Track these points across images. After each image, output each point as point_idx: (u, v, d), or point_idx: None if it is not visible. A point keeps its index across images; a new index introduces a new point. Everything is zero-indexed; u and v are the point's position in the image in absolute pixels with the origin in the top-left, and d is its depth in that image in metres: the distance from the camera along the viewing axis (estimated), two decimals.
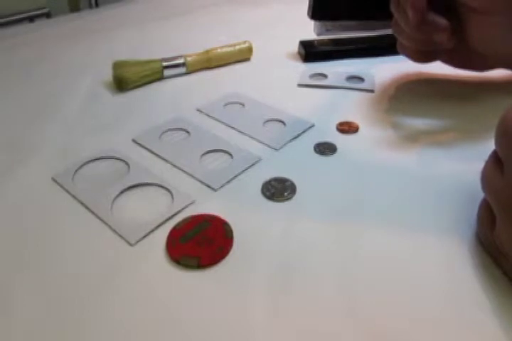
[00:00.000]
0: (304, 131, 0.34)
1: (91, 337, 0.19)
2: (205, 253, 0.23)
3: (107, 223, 0.25)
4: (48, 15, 0.74)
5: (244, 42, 0.47)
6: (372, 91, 0.41)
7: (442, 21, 0.32)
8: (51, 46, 0.51)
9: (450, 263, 0.23)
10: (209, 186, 0.28)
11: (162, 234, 0.24)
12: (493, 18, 0.30)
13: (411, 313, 0.20)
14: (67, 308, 0.20)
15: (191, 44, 0.47)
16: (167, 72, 0.43)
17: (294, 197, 0.27)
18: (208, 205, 0.26)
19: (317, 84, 0.42)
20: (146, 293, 0.21)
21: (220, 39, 0.48)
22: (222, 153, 0.31)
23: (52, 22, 0.65)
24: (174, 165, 0.30)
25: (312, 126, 0.35)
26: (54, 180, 0.28)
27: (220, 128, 0.35)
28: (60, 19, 0.63)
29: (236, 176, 0.29)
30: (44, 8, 0.73)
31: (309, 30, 0.47)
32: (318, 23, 0.47)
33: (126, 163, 0.30)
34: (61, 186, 0.28)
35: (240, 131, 0.34)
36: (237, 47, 0.46)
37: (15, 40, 0.53)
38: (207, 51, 0.45)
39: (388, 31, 0.51)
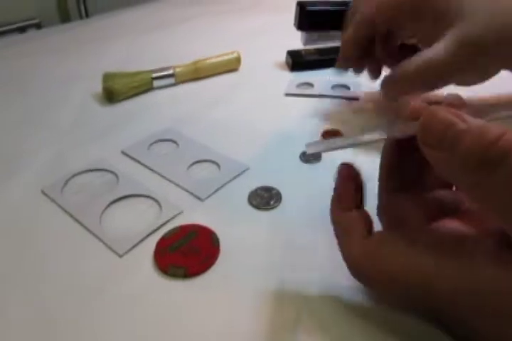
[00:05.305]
0: (286, 140, 0.35)
1: None
2: (192, 262, 0.23)
3: (96, 234, 0.25)
4: (38, 26, 0.74)
5: (233, 52, 0.48)
6: (357, 99, 0.42)
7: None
8: (41, 58, 0.51)
9: None
10: (197, 196, 0.28)
11: (150, 245, 0.25)
12: None
13: None
14: (57, 318, 0.21)
15: (181, 55, 0.48)
16: (156, 83, 0.43)
17: (280, 206, 0.28)
18: (196, 215, 0.27)
19: (304, 93, 0.43)
20: (135, 303, 0.22)
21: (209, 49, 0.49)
22: (209, 163, 0.32)
23: (43, 33, 0.65)
24: (163, 176, 0.30)
25: (294, 135, 0.35)
26: (44, 192, 0.29)
27: (208, 138, 0.35)
28: (51, 30, 0.64)
29: (223, 186, 0.30)
30: (34, 18, 0.74)
31: (297, 40, 0.48)
32: (304, 33, 0.48)
33: (116, 175, 0.30)
34: (51, 198, 0.28)
35: (226, 142, 0.34)
36: (226, 57, 0.47)
37: (5, 52, 0.53)
38: (195, 62, 0.46)
39: None
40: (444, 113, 0.16)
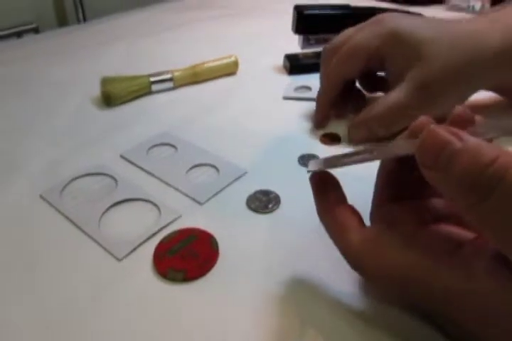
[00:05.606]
0: (285, 144, 0.35)
1: None
2: (191, 266, 0.23)
3: (95, 239, 0.25)
4: (36, 31, 0.74)
5: (230, 56, 0.48)
6: None
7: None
8: (39, 62, 0.51)
9: None
10: (195, 200, 0.29)
11: (150, 249, 0.25)
12: None
13: None
14: (56, 322, 0.21)
15: (179, 59, 0.48)
16: (155, 87, 0.43)
17: (279, 209, 0.28)
18: (195, 219, 0.27)
19: (302, 96, 0.43)
20: (134, 307, 0.22)
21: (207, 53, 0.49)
22: (208, 167, 0.32)
23: (40, 38, 0.65)
24: (161, 180, 0.30)
25: (292, 139, 0.35)
26: (42, 197, 0.29)
27: (206, 142, 0.35)
28: (48, 35, 0.64)
29: (222, 189, 0.30)
30: (31, 23, 0.74)
31: (295, 44, 0.48)
32: (302, 37, 0.48)
33: (114, 179, 0.30)
34: (49, 203, 0.28)
35: (224, 146, 0.35)
36: (224, 61, 0.48)
37: (2, 56, 0.53)
38: (194, 66, 0.46)
39: None
40: (442, 132, 0.15)
